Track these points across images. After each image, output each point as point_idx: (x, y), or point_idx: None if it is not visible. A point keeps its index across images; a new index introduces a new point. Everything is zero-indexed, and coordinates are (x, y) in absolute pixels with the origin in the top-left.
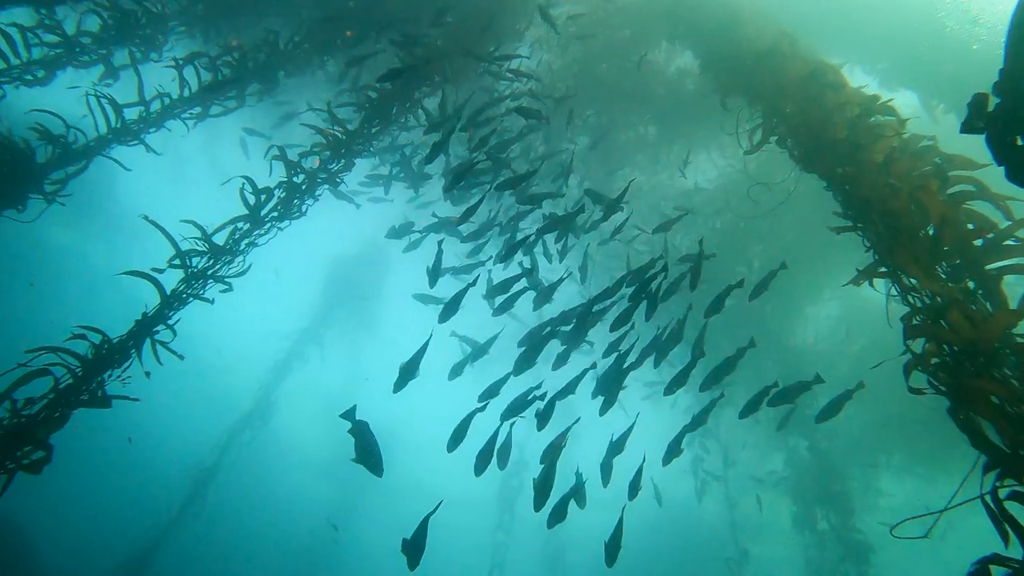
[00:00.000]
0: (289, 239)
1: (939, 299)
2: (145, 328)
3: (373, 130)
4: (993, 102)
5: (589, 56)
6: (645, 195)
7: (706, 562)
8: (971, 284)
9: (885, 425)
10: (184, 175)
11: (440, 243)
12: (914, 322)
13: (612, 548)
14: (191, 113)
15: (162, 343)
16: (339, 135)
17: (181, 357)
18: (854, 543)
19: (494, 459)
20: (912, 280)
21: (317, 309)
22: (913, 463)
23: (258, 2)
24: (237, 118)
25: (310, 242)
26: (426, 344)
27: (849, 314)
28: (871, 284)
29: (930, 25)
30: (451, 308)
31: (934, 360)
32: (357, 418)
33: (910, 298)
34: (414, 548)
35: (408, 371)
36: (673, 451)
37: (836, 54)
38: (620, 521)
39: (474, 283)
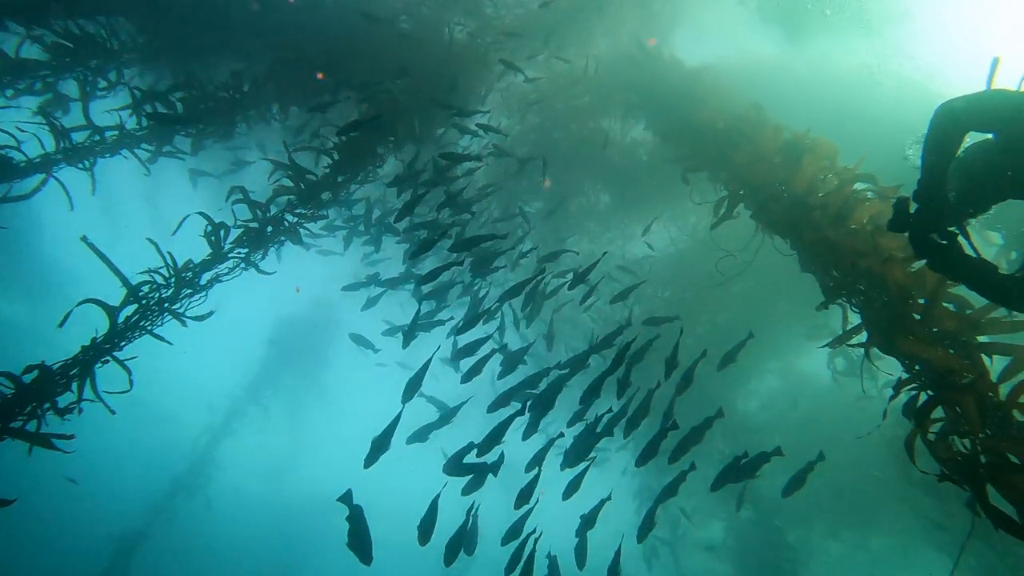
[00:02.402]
0: (234, 293)
1: (944, 373)
2: (94, 356)
3: (339, 179)
4: (913, 206)
5: (546, 123)
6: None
7: None
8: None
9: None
10: (119, 228)
11: (420, 302)
12: (914, 395)
13: None
14: (146, 147)
15: (100, 395)
16: (302, 185)
17: (112, 412)
18: None
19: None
20: (910, 352)
21: (260, 368)
22: (841, 528)
23: (219, 43)
24: (182, 165)
25: (255, 299)
26: (398, 417)
27: (788, 386)
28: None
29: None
30: (413, 387)
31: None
32: (354, 502)
33: (910, 369)
34: None
35: (380, 445)
36: (647, 526)
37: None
38: None
39: (431, 359)
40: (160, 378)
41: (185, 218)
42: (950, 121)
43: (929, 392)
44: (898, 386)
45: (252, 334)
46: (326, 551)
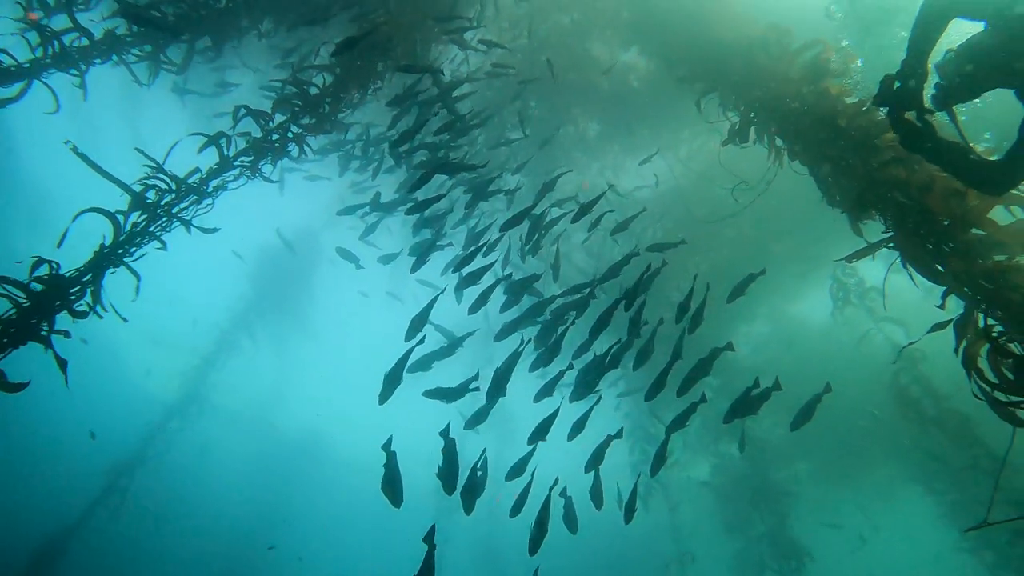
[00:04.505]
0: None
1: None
2: (104, 261)
3: (341, 95)
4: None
5: (534, 45)
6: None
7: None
8: None
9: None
10: (98, 150)
11: (434, 229)
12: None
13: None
14: (138, 52)
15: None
16: (303, 99)
17: (124, 320)
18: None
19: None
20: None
21: (247, 299)
22: (827, 470)
23: None
24: (162, 86)
25: (241, 227)
26: (409, 352)
27: (780, 330)
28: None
29: None
30: (418, 325)
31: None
32: (391, 449)
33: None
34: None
35: (393, 379)
36: (660, 460)
37: None
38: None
39: (437, 296)
40: (151, 306)
41: (176, 143)
42: (937, 5)
43: (984, 306)
44: (945, 294)
45: (235, 265)
46: (312, 486)
